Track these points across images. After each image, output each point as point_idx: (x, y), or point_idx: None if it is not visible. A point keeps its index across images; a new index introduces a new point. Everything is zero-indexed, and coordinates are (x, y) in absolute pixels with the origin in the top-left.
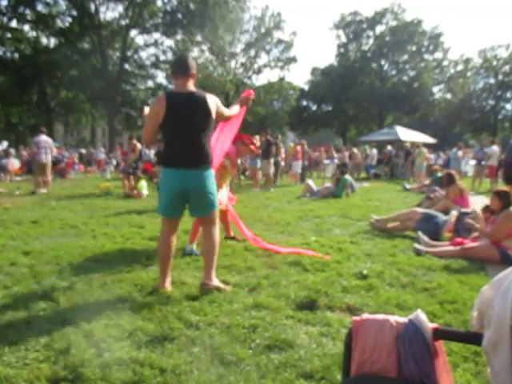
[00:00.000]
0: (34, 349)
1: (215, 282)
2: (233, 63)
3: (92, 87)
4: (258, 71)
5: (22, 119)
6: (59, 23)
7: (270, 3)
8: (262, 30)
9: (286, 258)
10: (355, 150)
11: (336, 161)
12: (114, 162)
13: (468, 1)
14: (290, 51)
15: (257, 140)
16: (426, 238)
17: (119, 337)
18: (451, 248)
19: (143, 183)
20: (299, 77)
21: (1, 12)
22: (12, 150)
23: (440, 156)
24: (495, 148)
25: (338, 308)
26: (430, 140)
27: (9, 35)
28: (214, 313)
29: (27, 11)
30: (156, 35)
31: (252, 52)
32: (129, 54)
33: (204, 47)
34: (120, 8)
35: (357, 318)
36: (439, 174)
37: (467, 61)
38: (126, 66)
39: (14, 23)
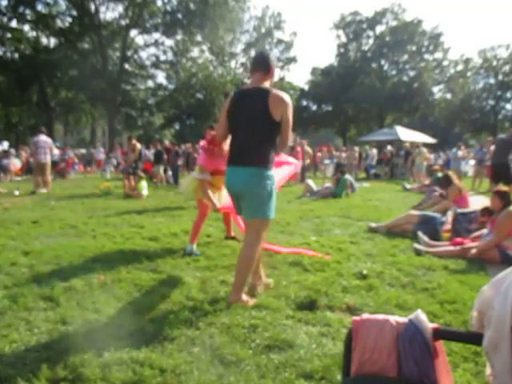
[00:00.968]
0: (34, 349)
1: (243, 297)
2: (233, 63)
3: (92, 87)
4: None
5: (21, 119)
6: (59, 23)
7: (270, 3)
8: (262, 30)
9: (286, 258)
10: (356, 149)
11: (335, 160)
12: (114, 162)
13: (468, 1)
14: (290, 51)
15: None
16: (425, 238)
17: (119, 337)
18: (451, 248)
19: (143, 183)
20: (299, 77)
21: (1, 12)
22: (12, 150)
23: (440, 156)
24: (494, 148)
25: (337, 308)
26: (430, 140)
27: (9, 35)
28: (214, 313)
29: (27, 11)
30: (156, 35)
31: (252, 52)
32: (129, 54)
33: (204, 47)
34: (120, 8)
35: (357, 318)
36: (439, 174)
37: (467, 61)
38: (126, 66)
39: (14, 23)
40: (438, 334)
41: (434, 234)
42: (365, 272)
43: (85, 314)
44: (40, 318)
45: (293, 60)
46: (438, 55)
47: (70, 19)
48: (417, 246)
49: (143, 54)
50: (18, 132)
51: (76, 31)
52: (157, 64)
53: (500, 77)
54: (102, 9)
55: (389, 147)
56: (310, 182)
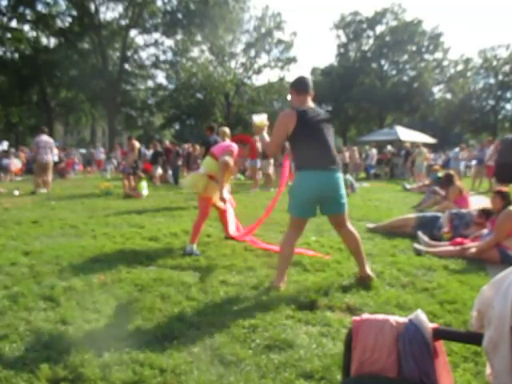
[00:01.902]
0: (34, 349)
1: (370, 272)
2: (233, 63)
3: (92, 87)
4: (258, 71)
5: (21, 119)
6: (59, 23)
7: (270, 3)
8: (262, 30)
9: None
10: (355, 149)
11: None
12: (115, 162)
13: (468, 1)
14: (290, 51)
15: (257, 140)
16: (425, 238)
17: (119, 337)
18: (451, 248)
19: (144, 183)
20: None
21: (1, 12)
22: (12, 150)
23: (440, 156)
24: (493, 148)
25: (337, 308)
26: (430, 140)
27: (9, 35)
28: (213, 313)
29: (27, 11)
30: (156, 35)
31: (252, 52)
32: (129, 54)
33: (204, 47)
34: (120, 8)
35: (357, 318)
36: (439, 174)
37: (467, 61)
38: (126, 66)
39: (14, 23)
40: (438, 334)
41: (433, 235)
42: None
43: (85, 314)
44: (40, 318)
45: (293, 60)
46: (438, 55)
47: (70, 19)
48: (417, 246)
49: (143, 54)
50: (18, 132)
51: (76, 31)
52: (157, 64)
53: (500, 77)
54: (102, 9)
55: (389, 147)
56: None
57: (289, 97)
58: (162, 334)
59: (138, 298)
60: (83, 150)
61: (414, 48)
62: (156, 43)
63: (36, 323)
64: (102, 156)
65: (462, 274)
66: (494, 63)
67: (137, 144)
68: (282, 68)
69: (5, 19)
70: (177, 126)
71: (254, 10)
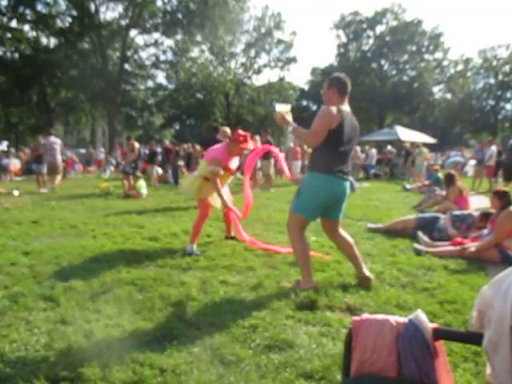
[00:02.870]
0: (34, 349)
1: (368, 273)
2: (233, 63)
3: (92, 87)
4: (258, 71)
5: (22, 119)
6: (59, 23)
7: (269, 3)
8: (262, 30)
9: (286, 258)
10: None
11: None
12: (114, 162)
13: (468, 1)
14: (290, 51)
15: (257, 140)
16: (425, 238)
17: (119, 337)
18: (451, 248)
19: (142, 183)
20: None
21: (1, 12)
22: (12, 150)
23: (441, 156)
24: (493, 148)
25: (338, 308)
26: (430, 140)
27: (9, 35)
28: (214, 313)
29: (27, 11)
30: (156, 35)
31: (252, 52)
32: (129, 54)
33: (204, 47)
34: (120, 8)
35: (357, 318)
36: (439, 174)
37: (467, 61)
38: (126, 66)
39: (14, 23)
40: (438, 334)
41: (433, 236)
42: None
43: (85, 314)
44: (40, 318)
45: (293, 60)
46: (438, 55)
47: (70, 19)
48: (417, 246)
49: (143, 54)
50: (18, 132)
51: (76, 31)
52: (157, 64)
53: (500, 77)
54: (102, 9)
55: (389, 147)
56: None
57: (323, 91)
58: (162, 334)
59: (138, 298)
60: (83, 150)
61: (414, 48)
62: (156, 43)
63: (36, 323)
64: (102, 156)
65: (462, 273)
66: (494, 63)
67: (136, 144)
68: (281, 68)
69: (5, 19)
70: (177, 126)
71: (254, 10)
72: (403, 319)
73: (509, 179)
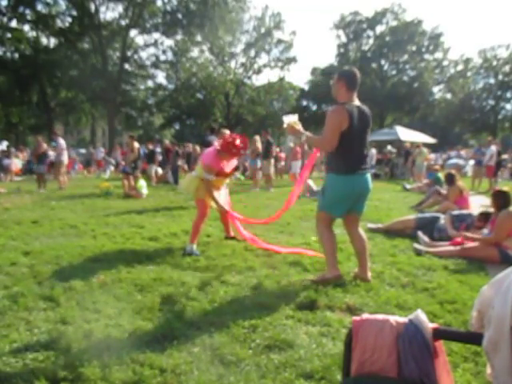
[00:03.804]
0: (34, 349)
1: (369, 277)
2: (233, 63)
3: (92, 87)
4: (258, 71)
5: (22, 119)
6: (59, 23)
7: (269, 3)
8: (262, 30)
9: (286, 258)
10: None
11: None
12: (114, 162)
13: (468, 1)
14: (290, 51)
15: (257, 140)
16: (425, 238)
17: (119, 337)
18: (451, 248)
19: (142, 182)
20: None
21: (1, 12)
22: (13, 150)
23: (441, 156)
24: (493, 148)
25: (338, 308)
26: (430, 140)
27: (9, 35)
28: (213, 313)
29: (27, 11)
30: (156, 35)
31: (252, 52)
32: (129, 54)
33: (204, 47)
34: (120, 8)
35: (357, 318)
36: (439, 174)
37: (467, 61)
38: (126, 66)
39: (14, 23)
40: (438, 334)
41: (432, 236)
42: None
43: (85, 314)
44: (40, 318)
45: (293, 60)
46: (438, 55)
47: (70, 19)
48: (417, 246)
49: (143, 54)
50: (18, 132)
51: (76, 31)
52: (157, 64)
53: (500, 77)
54: (102, 9)
55: (389, 147)
56: (310, 182)
57: (332, 83)
58: (162, 334)
59: (138, 298)
60: (83, 150)
61: (414, 48)
62: (156, 43)
63: (36, 323)
64: (102, 156)
65: (462, 273)
66: (494, 63)
67: (136, 144)
68: (281, 68)
69: (5, 19)
70: (177, 126)
71: (254, 10)
72: (403, 319)
73: None
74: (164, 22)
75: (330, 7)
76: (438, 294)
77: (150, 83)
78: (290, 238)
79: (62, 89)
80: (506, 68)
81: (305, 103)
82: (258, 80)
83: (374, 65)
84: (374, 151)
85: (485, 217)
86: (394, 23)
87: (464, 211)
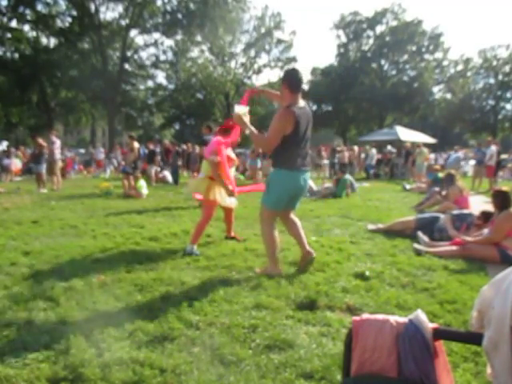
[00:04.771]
0: (34, 349)
1: (310, 249)
2: (233, 63)
3: (92, 87)
4: (258, 71)
5: (22, 119)
6: (59, 23)
7: (269, 3)
8: (262, 30)
9: (286, 258)
10: (355, 148)
11: (336, 160)
12: (114, 162)
13: (468, 1)
14: (290, 51)
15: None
16: (425, 238)
17: (119, 337)
18: (451, 248)
19: (142, 182)
20: None
21: (1, 12)
22: (13, 150)
23: (442, 156)
24: (493, 148)
25: (338, 308)
26: (430, 140)
27: (9, 35)
28: (214, 313)
29: (27, 11)
30: (156, 35)
31: (252, 52)
32: (129, 54)
33: (204, 47)
34: (120, 8)
35: (357, 318)
36: (440, 174)
37: (467, 61)
38: (126, 66)
39: (14, 23)
40: (438, 334)
41: (433, 236)
42: (368, 273)
43: (85, 314)
44: (40, 318)
45: (293, 60)
46: (438, 55)
47: (70, 19)
48: (417, 246)
49: (143, 54)
50: (18, 132)
51: (76, 31)
52: (157, 64)
53: (500, 77)
54: (102, 9)
55: (389, 147)
56: (310, 182)
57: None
58: (162, 334)
59: (138, 298)
60: (83, 150)
61: (414, 48)
62: (156, 43)
63: (36, 323)
64: (102, 156)
65: (462, 273)
66: (494, 63)
67: (136, 144)
68: (281, 68)
69: (5, 19)
70: (177, 126)
71: (254, 10)
72: (403, 319)
73: None
74: (164, 22)
75: (330, 7)
76: (437, 294)
77: (150, 83)
78: (290, 238)
79: (62, 89)
80: (506, 68)
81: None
82: (258, 80)
83: (373, 65)
84: (374, 151)
85: (486, 216)
86: (393, 23)
87: (464, 211)
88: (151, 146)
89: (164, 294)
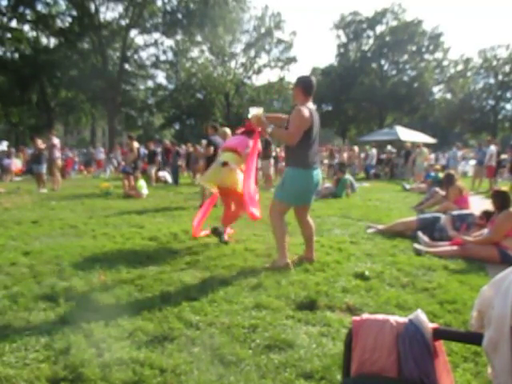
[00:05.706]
0: (34, 349)
1: (314, 256)
2: (233, 63)
3: (92, 87)
4: (258, 71)
5: (22, 119)
6: (59, 23)
7: (269, 3)
8: (262, 30)
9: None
10: (356, 149)
11: (336, 160)
12: (115, 162)
13: (468, 1)
14: (290, 51)
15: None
16: (425, 238)
17: (119, 337)
18: (451, 248)
19: (142, 183)
20: None
21: (1, 12)
22: (13, 150)
23: (444, 156)
24: (493, 148)
25: (338, 308)
26: (430, 140)
27: (9, 35)
28: (214, 313)
29: (27, 11)
30: (156, 35)
31: (252, 52)
32: (129, 54)
33: (204, 47)
34: (120, 8)
35: (357, 318)
36: (440, 175)
37: (467, 61)
38: (126, 66)
39: (14, 23)
40: (438, 334)
41: (433, 236)
42: (367, 273)
43: (85, 314)
44: (40, 318)
45: (293, 60)
46: (438, 55)
47: (70, 19)
48: (417, 246)
49: (143, 54)
50: (18, 132)
51: (76, 31)
52: (157, 64)
53: (500, 77)
54: (102, 9)
55: (389, 147)
56: None
57: (292, 92)
58: (162, 334)
59: (138, 298)
60: (83, 150)
61: (414, 48)
62: (156, 43)
63: (36, 323)
64: (102, 156)
65: (462, 273)
66: (494, 63)
67: (136, 144)
68: (281, 68)
69: (5, 19)
70: (177, 126)
71: (254, 10)
72: (403, 319)
73: None
74: (164, 22)
75: (330, 7)
76: (437, 294)
77: (150, 83)
78: (290, 238)
79: (62, 89)
80: (506, 68)
81: None
82: (258, 80)
83: (373, 65)
84: (374, 151)
85: (487, 215)
86: (393, 23)
87: (464, 211)
88: (152, 146)
89: (164, 294)
